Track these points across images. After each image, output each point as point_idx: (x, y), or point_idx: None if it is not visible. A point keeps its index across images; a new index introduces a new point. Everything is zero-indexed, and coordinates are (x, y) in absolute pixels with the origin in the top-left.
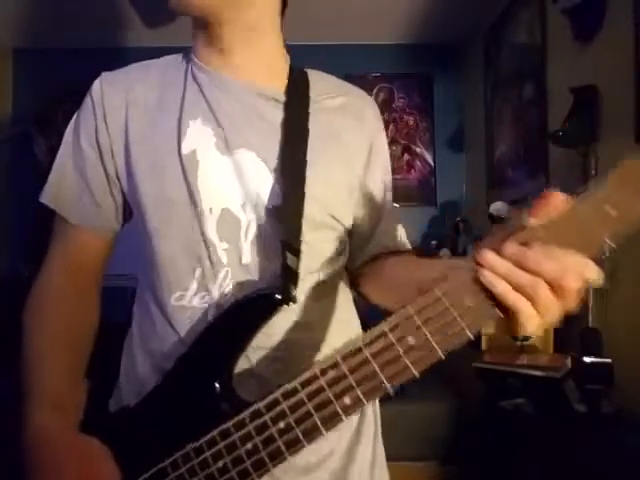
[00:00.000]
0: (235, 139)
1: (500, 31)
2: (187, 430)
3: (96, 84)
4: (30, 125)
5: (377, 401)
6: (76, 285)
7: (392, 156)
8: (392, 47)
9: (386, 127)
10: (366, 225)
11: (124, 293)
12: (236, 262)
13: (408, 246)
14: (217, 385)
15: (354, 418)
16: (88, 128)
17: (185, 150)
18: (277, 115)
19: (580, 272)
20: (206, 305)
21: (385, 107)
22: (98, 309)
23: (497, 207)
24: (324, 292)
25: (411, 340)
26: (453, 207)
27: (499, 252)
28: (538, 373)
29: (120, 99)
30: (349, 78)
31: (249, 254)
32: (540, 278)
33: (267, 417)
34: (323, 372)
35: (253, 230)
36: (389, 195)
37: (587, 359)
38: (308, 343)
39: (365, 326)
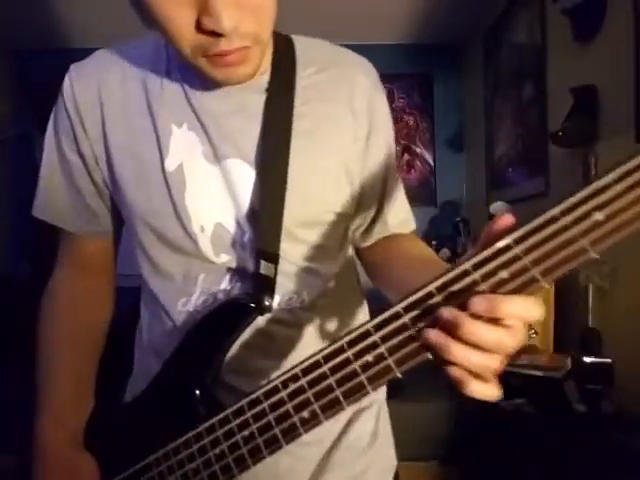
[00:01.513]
0: (223, 147)
1: (500, 31)
2: (168, 431)
3: (66, 82)
4: (31, 126)
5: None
6: (86, 287)
7: None
8: (392, 47)
9: None
10: (368, 209)
11: (126, 293)
12: (237, 268)
13: (412, 225)
14: (197, 391)
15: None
16: (67, 133)
17: (170, 167)
18: (262, 108)
19: (525, 320)
20: (210, 308)
21: None
22: (111, 307)
23: (497, 207)
24: (324, 289)
25: (369, 357)
26: (453, 207)
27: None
28: (538, 373)
29: (93, 96)
30: None
31: (247, 262)
32: (475, 350)
33: (234, 424)
34: (284, 384)
35: (247, 240)
36: (393, 171)
37: (587, 359)
38: (307, 341)
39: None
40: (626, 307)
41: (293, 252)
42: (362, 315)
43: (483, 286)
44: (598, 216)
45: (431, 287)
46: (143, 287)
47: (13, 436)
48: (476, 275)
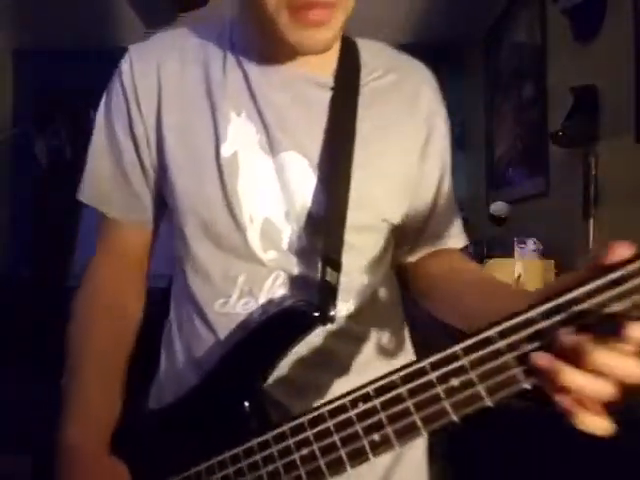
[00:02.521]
0: (280, 139)
1: (500, 31)
2: (213, 443)
3: (125, 64)
4: (30, 125)
5: None
6: (121, 285)
7: None
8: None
9: None
10: (418, 220)
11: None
12: (282, 269)
13: (462, 241)
14: (246, 404)
15: None
16: (121, 115)
17: (226, 153)
18: (326, 104)
19: None
20: (250, 310)
21: None
22: (142, 306)
23: (497, 207)
24: (368, 298)
25: (454, 382)
26: None
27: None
28: None
29: (152, 79)
30: None
31: (295, 264)
32: (593, 377)
33: (291, 442)
34: (354, 403)
35: (297, 239)
36: (447, 185)
37: None
38: (348, 352)
39: (412, 329)
40: None
41: (344, 258)
42: (402, 330)
43: (615, 308)
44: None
45: (533, 313)
46: (176, 285)
47: (13, 436)
48: (600, 298)
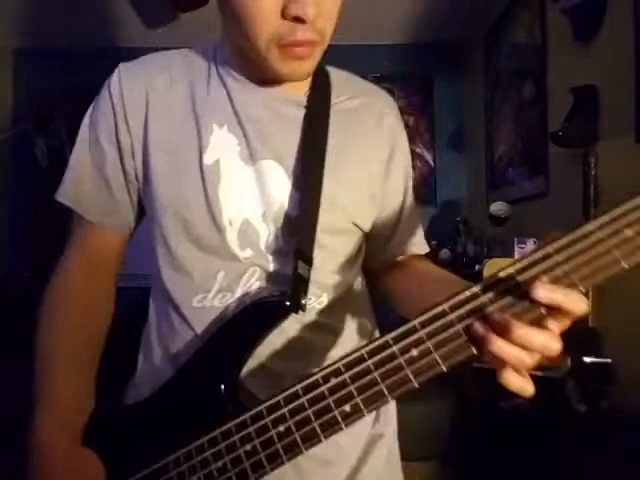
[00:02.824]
0: (259, 149)
1: (500, 31)
2: (190, 429)
3: (114, 78)
4: (30, 125)
5: (395, 401)
6: (93, 285)
7: None
8: (392, 47)
9: None
10: (385, 229)
11: (130, 293)
12: (259, 265)
13: (425, 249)
14: (222, 388)
15: (372, 416)
16: (107, 125)
17: (208, 160)
18: (300, 120)
19: (577, 313)
20: (227, 304)
21: None
22: (112, 307)
23: (497, 207)
24: (340, 294)
25: (414, 352)
26: (453, 207)
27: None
28: (538, 373)
29: (140, 95)
30: None
31: (270, 261)
32: (519, 348)
33: (268, 420)
34: (325, 379)
35: (273, 238)
36: (410, 198)
37: (587, 359)
38: (321, 344)
39: (381, 326)
40: (626, 307)
41: (317, 256)
42: (373, 325)
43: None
44: (628, 232)
45: (476, 289)
46: (155, 285)
47: (12, 436)
48: (520, 277)
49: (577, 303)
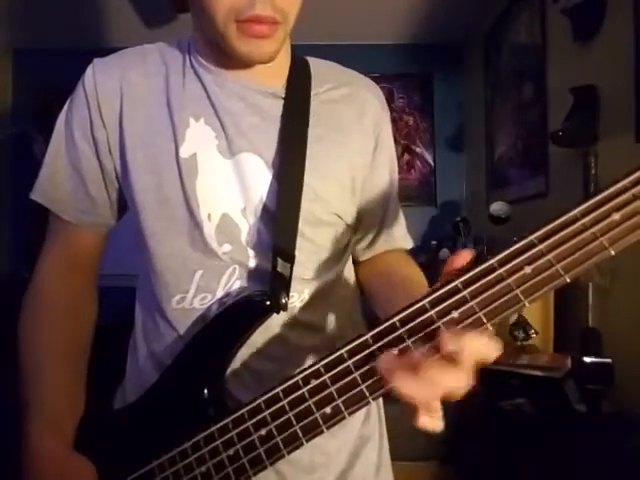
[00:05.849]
0: (238, 142)
1: (500, 31)
2: (174, 434)
3: (88, 72)
4: (30, 125)
5: (381, 404)
6: (73, 285)
7: None
8: (392, 47)
9: None
10: (371, 222)
11: (123, 293)
12: (239, 263)
13: (409, 243)
14: (205, 391)
15: (359, 419)
16: (82, 120)
17: (184, 154)
18: (278, 112)
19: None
20: (208, 305)
21: None
22: (96, 307)
23: (497, 207)
24: (323, 289)
25: (395, 351)
26: (453, 207)
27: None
28: (538, 373)
29: (114, 88)
30: None
31: (251, 256)
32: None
33: (249, 423)
34: (305, 381)
35: (254, 232)
36: (395, 191)
37: (587, 359)
38: (304, 342)
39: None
40: (626, 307)
41: (299, 250)
42: (360, 324)
43: (509, 280)
44: (615, 216)
45: (425, 301)
46: (139, 285)
47: (12, 436)
48: (501, 271)
49: (483, 350)
